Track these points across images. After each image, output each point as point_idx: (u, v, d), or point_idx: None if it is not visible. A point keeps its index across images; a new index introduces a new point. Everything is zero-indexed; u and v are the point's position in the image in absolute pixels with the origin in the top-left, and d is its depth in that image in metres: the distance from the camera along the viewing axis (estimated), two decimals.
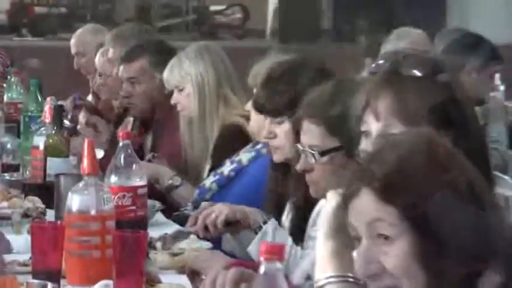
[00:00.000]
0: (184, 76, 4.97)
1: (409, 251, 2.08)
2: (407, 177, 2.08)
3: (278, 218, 3.87)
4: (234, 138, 4.64)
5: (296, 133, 3.49)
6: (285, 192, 3.80)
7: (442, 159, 2.10)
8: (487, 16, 11.96)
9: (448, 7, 13.24)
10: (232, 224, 3.80)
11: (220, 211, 3.81)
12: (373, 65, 2.75)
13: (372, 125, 2.58)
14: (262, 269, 1.87)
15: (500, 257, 2.07)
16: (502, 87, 5.69)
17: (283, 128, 3.80)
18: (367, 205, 2.11)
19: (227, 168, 4.58)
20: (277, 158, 3.87)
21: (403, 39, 6.38)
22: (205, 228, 3.81)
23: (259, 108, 3.94)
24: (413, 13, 11.83)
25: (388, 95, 2.56)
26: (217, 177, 4.59)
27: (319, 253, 2.56)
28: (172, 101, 5.03)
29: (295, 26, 13.36)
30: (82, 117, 5.99)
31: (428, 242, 2.06)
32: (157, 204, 4.40)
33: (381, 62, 2.71)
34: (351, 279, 2.46)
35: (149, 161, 5.12)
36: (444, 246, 2.05)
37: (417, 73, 2.57)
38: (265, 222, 3.81)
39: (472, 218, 2.05)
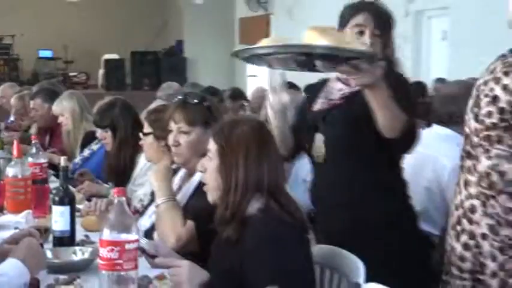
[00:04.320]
0: (64, 108, 4.77)
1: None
2: None
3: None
4: (90, 138, 4.51)
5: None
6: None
7: None
8: (210, 73, 12.18)
9: (187, 70, 13.32)
10: None
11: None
12: (177, 98, 2.67)
13: (173, 126, 2.62)
14: (115, 200, 1.81)
15: None
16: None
17: (108, 134, 3.79)
18: None
19: (86, 152, 4.47)
20: (107, 148, 3.85)
21: (169, 88, 6.38)
22: None
23: (96, 125, 3.91)
24: (170, 74, 11.84)
25: (180, 111, 2.61)
26: (81, 157, 4.46)
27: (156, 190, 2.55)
28: (59, 121, 4.82)
29: (113, 82, 13.18)
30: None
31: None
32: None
33: (179, 96, 2.68)
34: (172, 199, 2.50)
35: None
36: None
37: (194, 101, 2.61)
38: None
39: None
